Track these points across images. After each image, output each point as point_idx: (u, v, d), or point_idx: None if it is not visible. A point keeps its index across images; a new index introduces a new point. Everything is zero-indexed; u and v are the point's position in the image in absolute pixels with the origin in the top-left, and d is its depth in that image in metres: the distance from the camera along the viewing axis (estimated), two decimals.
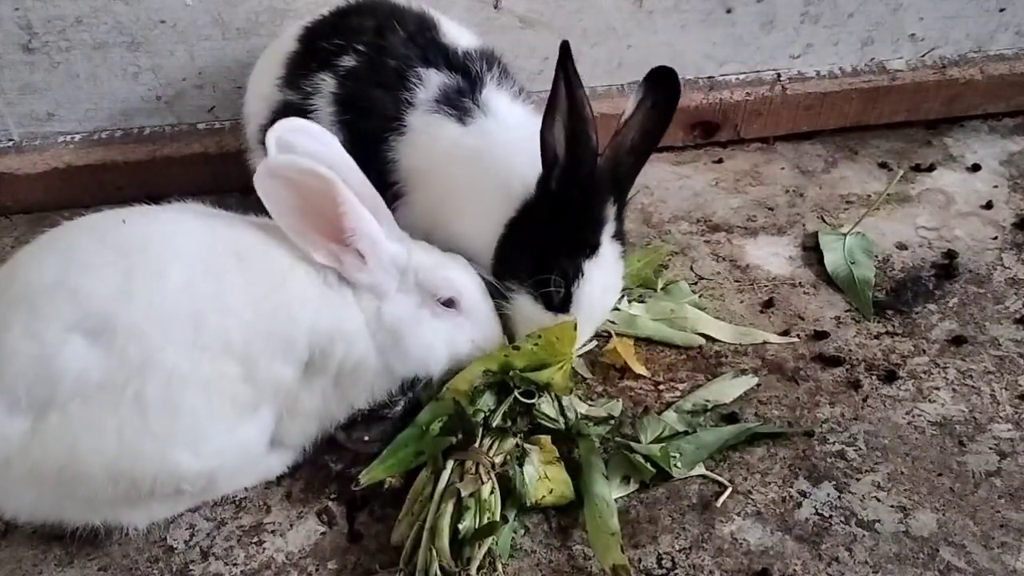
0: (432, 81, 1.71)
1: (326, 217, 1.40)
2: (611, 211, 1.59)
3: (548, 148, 1.53)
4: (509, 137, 1.66)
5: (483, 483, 1.45)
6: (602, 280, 1.61)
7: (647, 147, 1.59)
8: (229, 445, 1.42)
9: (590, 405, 1.69)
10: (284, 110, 1.76)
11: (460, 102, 1.69)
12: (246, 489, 1.57)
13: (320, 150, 1.46)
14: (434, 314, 1.54)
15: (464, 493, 1.43)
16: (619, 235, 1.63)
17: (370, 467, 1.52)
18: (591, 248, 1.58)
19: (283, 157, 1.36)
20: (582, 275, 1.57)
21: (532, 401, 1.58)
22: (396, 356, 1.52)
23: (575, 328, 1.58)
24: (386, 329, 1.50)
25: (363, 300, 1.49)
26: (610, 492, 1.50)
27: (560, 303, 1.59)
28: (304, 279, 1.43)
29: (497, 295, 1.64)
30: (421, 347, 1.53)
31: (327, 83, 1.73)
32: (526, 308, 1.61)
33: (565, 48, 1.44)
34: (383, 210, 1.51)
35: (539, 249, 1.59)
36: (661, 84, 1.56)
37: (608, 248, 1.60)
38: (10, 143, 2.21)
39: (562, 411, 1.61)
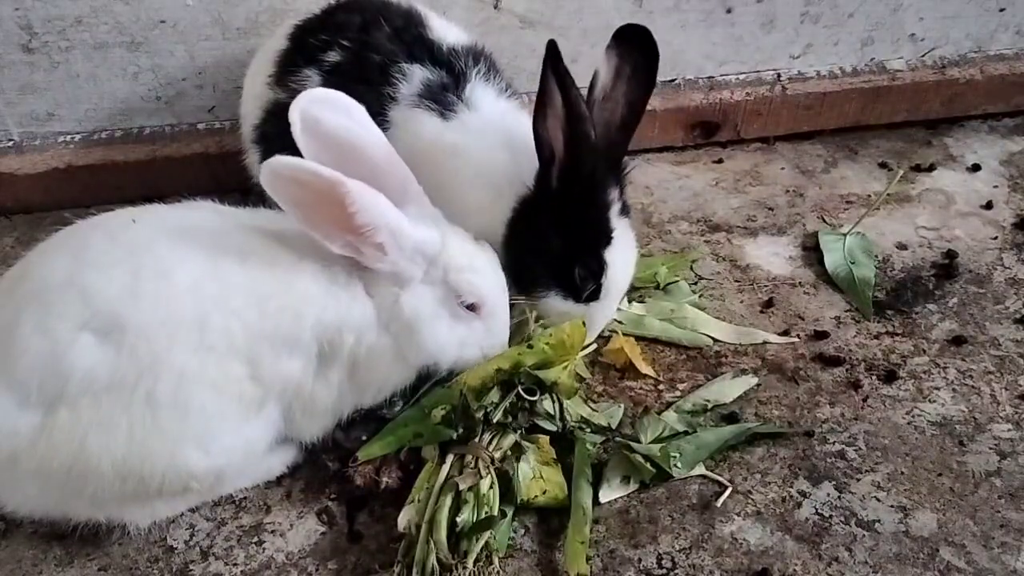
0: (415, 76, 1.70)
1: (339, 212, 1.34)
2: (615, 192, 1.60)
3: (544, 144, 1.53)
4: (493, 130, 1.66)
5: (482, 477, 1.46)
6: (622, 260, 1.64)
7: (635, 117, 1.59)
8: (236, 443, 1.42)
9: (592, 409, 1.68)
10: (274, 109, 1.75)
11: (443, 97, 1.69)
12: (246, 489, 1.58)
13: (344, 124, 1.42)
14: (453, 314, 1.51)
15: (463, 487, 1.44)
16: (624, 209, 1.65)
17: (369, 443, 1.53)
18: (607, 238, 1.60)
19: (284, 159, 1.32)
20: (606, 265, 1.60)
21: (534, 398, 1.58)
22: (409, 346, 1.50)
23: (584, 326, 1.61)
24: (403, 319, 1.47)
25: (380, 288, 1.46)
26: (590, 501, 1.50)
27: (590, 295, 1.62)
28: (309, 277, 1.42)
29: (522, 291, 1.64)
30: (434, 343, 1.51)
31: (312, 80, 1.73)
32: (557, 306, 1.63)
33: (552, 48, 1.44)
34: (412, 189, 1.48)
35: (556, 250, 1.59)
36: (634, 47, 1.55)
37: (620, 228, 1.62)
38: (10, 143, 2.21)
39: (561, 414, 1.60)
